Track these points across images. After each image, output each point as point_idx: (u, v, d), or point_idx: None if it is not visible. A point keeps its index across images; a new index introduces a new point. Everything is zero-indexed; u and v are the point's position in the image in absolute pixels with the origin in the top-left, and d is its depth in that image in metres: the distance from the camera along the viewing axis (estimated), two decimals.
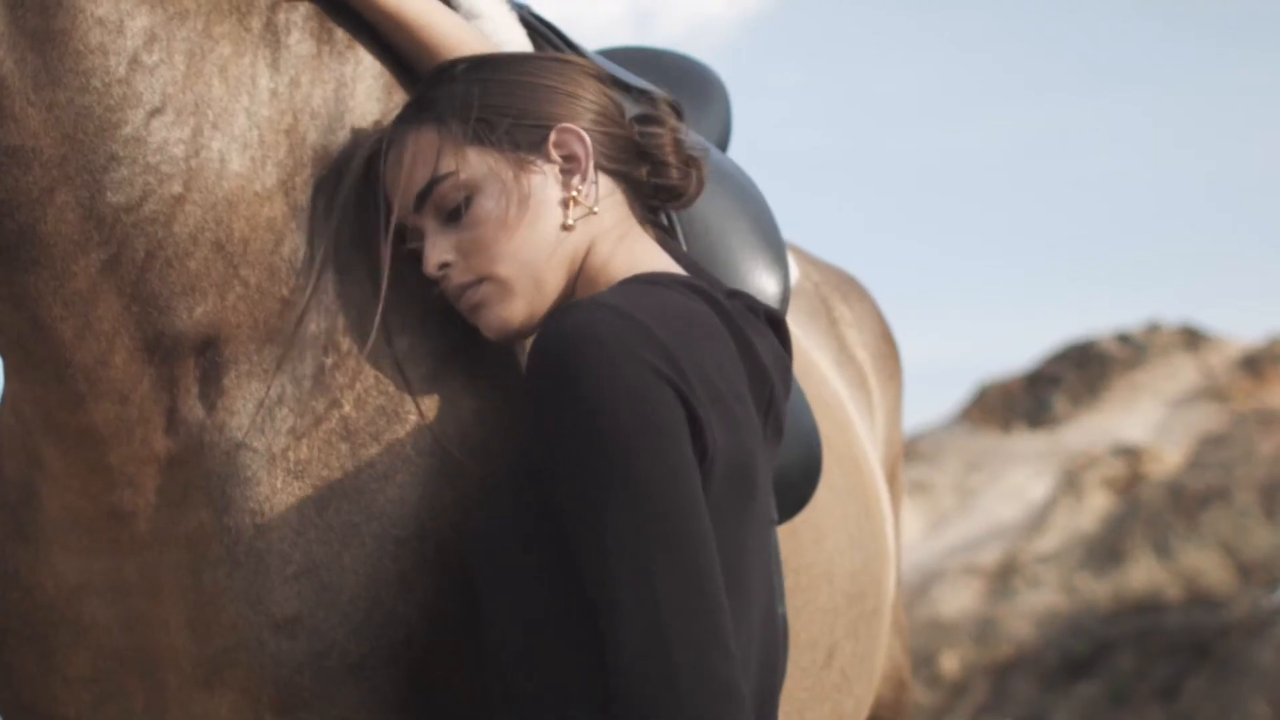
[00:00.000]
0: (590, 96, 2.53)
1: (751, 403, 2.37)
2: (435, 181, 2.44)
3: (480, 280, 2.44)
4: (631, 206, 2.54)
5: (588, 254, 2.48)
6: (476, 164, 2.44)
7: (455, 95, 2.47)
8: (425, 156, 2.45)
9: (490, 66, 2.51)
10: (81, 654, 2.50)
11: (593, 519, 2.20)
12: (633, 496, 2.19)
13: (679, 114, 2.76)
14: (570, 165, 2.48)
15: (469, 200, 2.44)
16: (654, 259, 2.50)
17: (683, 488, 2.22)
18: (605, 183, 2.51)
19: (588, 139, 2.49)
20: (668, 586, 2.18)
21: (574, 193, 2.47)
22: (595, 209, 2.49)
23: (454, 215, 2.45)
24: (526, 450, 2.34)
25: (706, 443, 2.27)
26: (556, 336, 2.24)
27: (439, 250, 2.45)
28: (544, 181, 2.47)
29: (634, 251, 2.49)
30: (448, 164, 2.44)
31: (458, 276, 2.45)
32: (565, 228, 2.46)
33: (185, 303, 2.36)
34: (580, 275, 2.48)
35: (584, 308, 2.27)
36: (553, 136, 2.48)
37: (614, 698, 2.19)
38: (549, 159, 2.47)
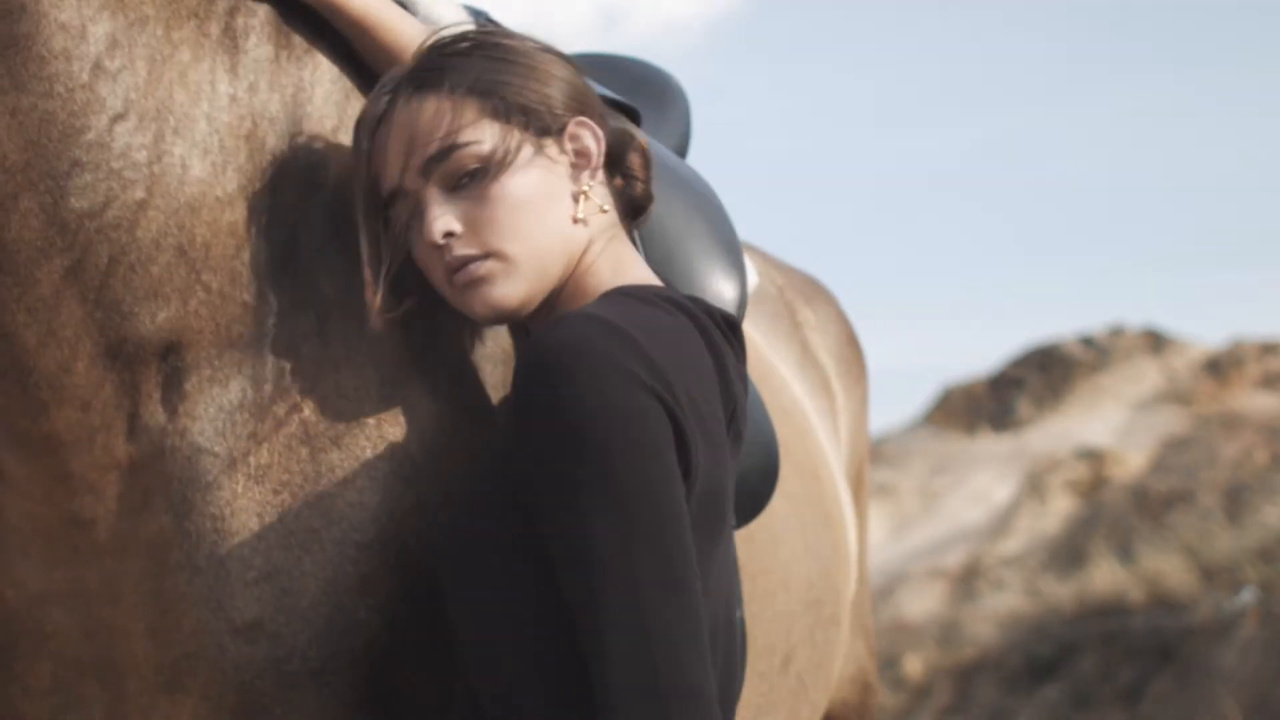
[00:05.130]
0: (595, 97, 2.53)
1: (723, 420, 2.38)
2: (453, 148, 2.40)
3: (487, 255, 2.40)
4: (620, 211, 2.54)
5: (584, 251, 2.47)
6: (498, 139, 2.41)
7: (472, 69, 2.44)
8: (439, 122, 2.41)
9: (505, 49, 2.48)
10: (43, 663, 2.49)
11: (579, 531, 2.20)
12: (619, 510, 2.19)
13: (636, 121, 2.76)
14: (580, 160, 2.48)
15: (484, 174, 2.40)
16: (636, 265, 2.51)
17: (668, 502, 2.22)
18: (603, 183, 2.51)
19: (601, 136, 2.49)
20: (653, 599, 2.19)
21: (585, 187, 2.47)
22: (605, 208, 2.49)
23: (459, 186, 2.41)
24: (505, 456, 2.33)
25: (691, 461, 2.28)
26: (546, 348, 2.23)
27: (446, 219, 2.41)
28: (559, 171, 2.46)
29: (619, 255, 2.50)
30: (467, 134, 2.41)
31: (462, 248, 2.41)
32: (575, 220, 2.45)
33: (148, 308, 2.36)
34: (572, 272, 2.47)
35: (574, 320, 2.26)
36: (570, 128, 2.47)
37: (596, 703, 2.19)
38: (562, 149, 2.47)
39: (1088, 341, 24.19)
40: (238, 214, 2.43)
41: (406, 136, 2.42)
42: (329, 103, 2.57)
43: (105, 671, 2.46)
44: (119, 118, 2.32)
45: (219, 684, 2.40)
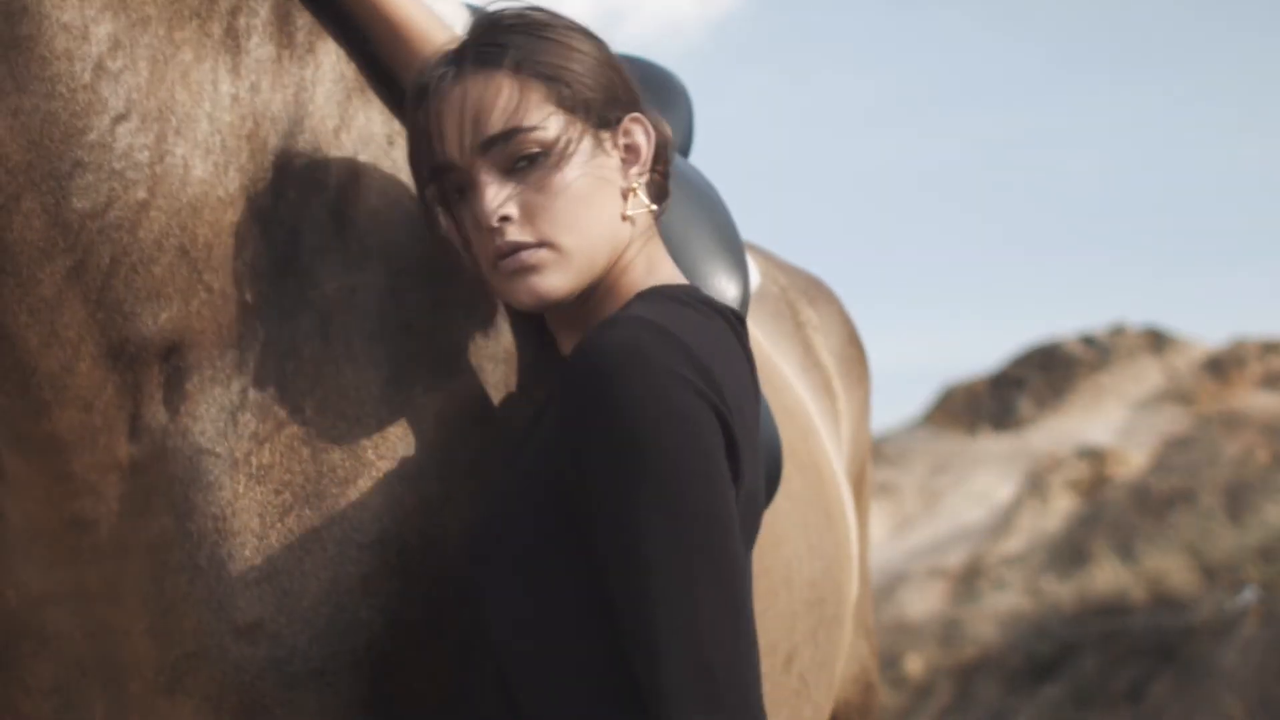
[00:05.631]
0: (639, 92, 2.51)
1: (758, 422, 2.38)
2: (517, 131, 2.37)
3: (541, 244, 2.37)
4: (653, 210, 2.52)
5: (625, 249, 2.45)
6: (562, 128, 2.38)
7: (537, 52, 2.40)
8: (504, 101, 2.38)
9: (565, 33, 2.45)
10: (44, 664, 2.50)
11: (635, 535, 2.20)
12: (677, 515, 2.19)
13: None
14: (630, 156, 2.46)
15: (543, 160, 2.37)
16: (667, 265, 2.50)
17: (722, 507, 2.22)
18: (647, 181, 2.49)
19: (653, 133, 2.47)
20: (708, 605, 2.19)
21: (634, 185, 2.45)
22: (654, 206, 2.48)
23: (514, 169, 2.38)
24: (543, 457, 2.32)
25: (739, 466, 2.29)
26: (601, 351, 2.22)
27: (503, 203, 2.37)
28: (612, 165, 2.44)
29: (652, 255, 2.48)
30: (533, 117, 2.37)
31: (516, 234, 2.37)
32: (624, 218, 2.43)
33: (150, 309, 2.36)
34: (611, 269, 2.44)
35: (626, 323, 2.26)
36: (624, 124, 2.45)
37: (646, 705, 2.20)
38: (615, 144, 2.45)
39: (1089, 341, 24.20)
40: (240, 214, 2.43)
41: (467, 111, 2.39)
42: (331, 102, 2.57)
43: (106, 672, 2.46)
44: (121, 118, 2.32)
45: (220, 684, 2.40)
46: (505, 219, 2.37)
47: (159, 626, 2.41)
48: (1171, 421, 21.04)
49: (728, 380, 2.29)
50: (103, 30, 2.31)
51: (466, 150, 2.39)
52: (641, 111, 2.48)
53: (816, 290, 4.48)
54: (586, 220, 2.39)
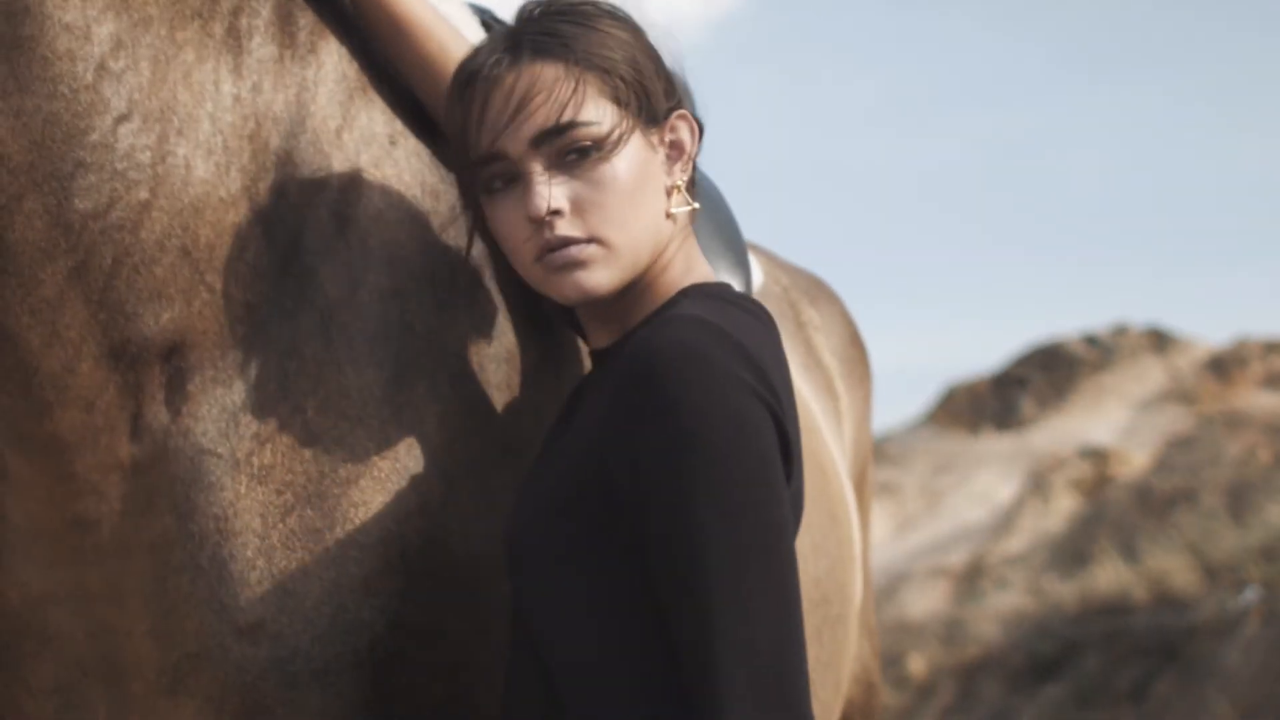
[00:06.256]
0: (683, 87, 2.50)
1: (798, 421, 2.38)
2: (573, 125, 2.35)
3: (590, 240, 2.35)
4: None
5: (666, 247, 2.43)
6: (615, 122, 2.36)
7: (591, 43, 2.38)
8: (561, 94, 2.35)
9: (615, 25, 2.43)
10: (46, 664, 2.50)
11: (691, 537, 2.19)
12: (735, 519, 2.18)
13: None
14: (674, 153, 2.45)
15: (594, 153, 2.35)
16: (703, 263, 2.49)
17: (779, 511, 2.22)
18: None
19: (698, 131, 2.46)
20: (763, 605, 2.19)
21: (678, 182, 2.44)
22: (696, 204, 2.47)
23: (563, 162, 2.35)
24: (592, 453, 2.30)
25: (792, 467, 2.29)
26: (659, 352, 2.21)
27: (552, 196, 2.34)
28: (657, 162, 2.42)
29: (689, 255, 2.47)
30: (589, 112, 2.35)
31: (566, 229, 2.34)
32: (667, 215, 2.42)
33: (152, 309, 2.36)
34: (651, 266, 2.42)
35: (683, 324, 2.25)
36: (671, 120, 2.44)
37: (697, 707, 2.19)
38: (661, 140, 2.43)
39: (1091, 340, 24.17)
40: (241, 215, 2.43)
41: (521, 101, 2.36)
42: (333, 103, 2.57)
43: (108, 672, 2.46)
44: (123, 118, 2.32)
45: (221, 685, 2.40)
46: (555, 213, 2.35)
47: (161, 627, 2.41)
48: (1174, 421, 21.03)
49: (778, 380, 2.29)
50: (105, 30, 2.31)
51: (519, 141, 2.36)
52: (687, 107, 2.47)
53: (818, 290, 4.48)
54: (634, 217, 2.37)
